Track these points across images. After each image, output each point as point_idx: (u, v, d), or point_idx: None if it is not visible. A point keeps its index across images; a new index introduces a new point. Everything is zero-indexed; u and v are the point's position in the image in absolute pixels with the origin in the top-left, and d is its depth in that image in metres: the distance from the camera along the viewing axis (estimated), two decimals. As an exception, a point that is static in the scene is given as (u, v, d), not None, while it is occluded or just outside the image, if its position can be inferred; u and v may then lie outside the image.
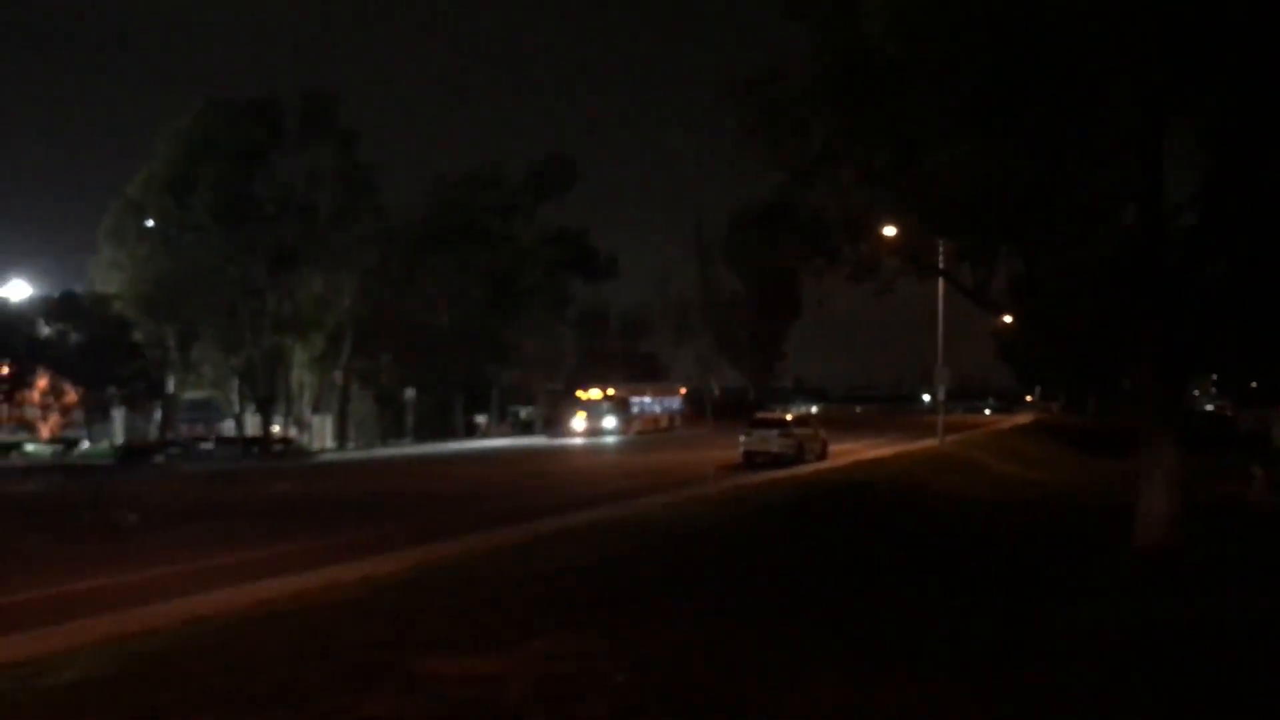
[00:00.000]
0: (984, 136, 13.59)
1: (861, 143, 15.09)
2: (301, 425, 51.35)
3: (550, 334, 61.52)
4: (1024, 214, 14.47)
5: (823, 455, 30.31)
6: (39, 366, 41.39)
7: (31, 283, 42.08)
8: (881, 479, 24.66)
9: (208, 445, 42.92)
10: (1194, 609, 10.85)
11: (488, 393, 59.61)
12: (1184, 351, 14.74)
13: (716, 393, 75.88)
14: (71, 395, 44.97)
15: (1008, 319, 26.43)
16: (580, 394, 51.64)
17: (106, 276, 46.20)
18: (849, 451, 32.80)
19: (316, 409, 52.96)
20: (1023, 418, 76.09)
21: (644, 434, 51.20)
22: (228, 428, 49.25)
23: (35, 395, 44.02)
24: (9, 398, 41.17)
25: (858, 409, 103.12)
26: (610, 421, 50.48)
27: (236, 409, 49.21)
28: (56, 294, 42.33)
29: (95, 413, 45.66)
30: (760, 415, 32.69)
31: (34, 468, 34.96)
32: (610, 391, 51.60)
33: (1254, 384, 62.80)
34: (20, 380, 40.39)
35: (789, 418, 32.42)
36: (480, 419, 60.44)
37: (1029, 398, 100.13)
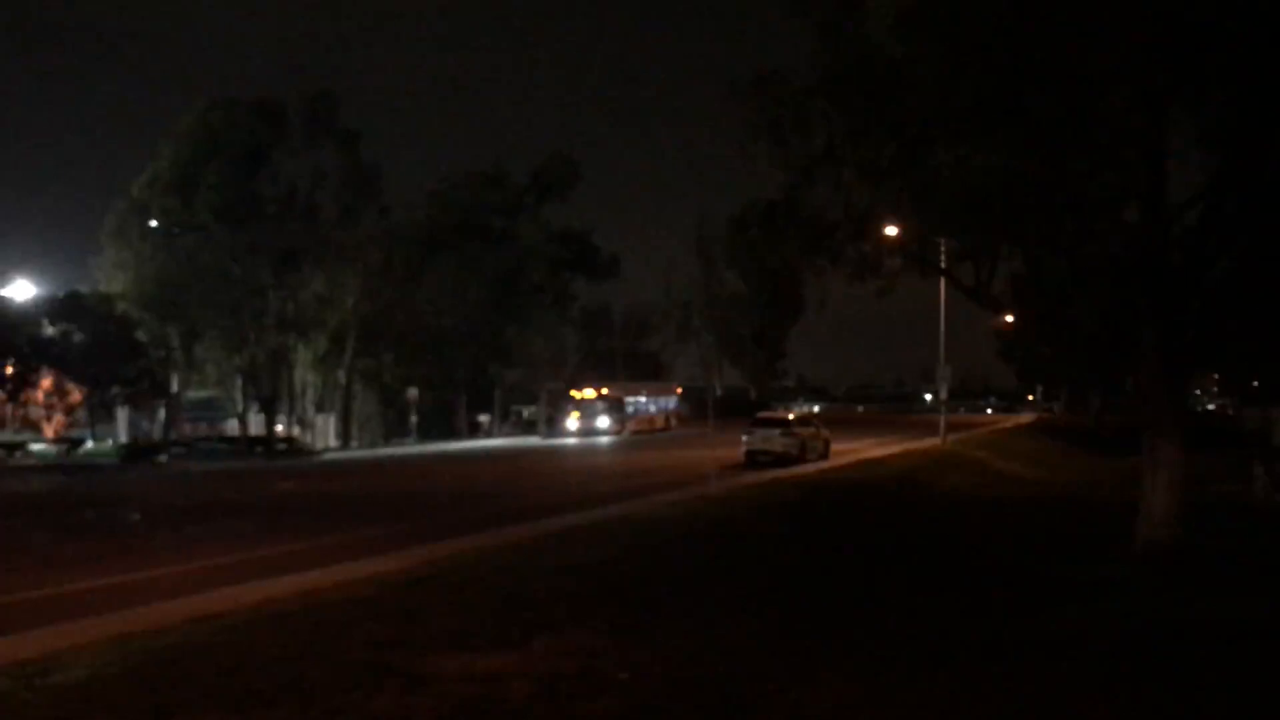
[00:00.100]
0: (986, 135, 13.61)
1: (864, 142, 15.11)
2: (305, 425, 51.41)
3: (553, 333, 61.54)
4: (1026, 213, 14.48)
5: (825, 454, 30.34)
6: (43, 366, 41.40)
7: (35, 282, 42.09)
8: (884, 478, 24.70)
9: (212, 445, 42.94)
10: (1196, 608, 10.87)
11: (491, 392, 59.66)
12: (1186, 350, 14.74)
13: (719, 392, 75.90)
14: (75, 395, 45.01)
15: (1009, 318, 26.46)
16: (574, 393, 51.53)
17: (110, 276, 46.26)
18: (851, 451, 32.83)
19: (320, 408, 53.01)
20: (1024, 417, 76.16)
21: (639, 434, 51.15)
22: (231, 427, 49.28)
23: (39, 395, 44.05)
24: (13, 397, 41.21)
25: (859, 408, 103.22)
26: (604, 421, 50.40)
27: (240, 408, 49.27)
28: (60, 294, 42.31)
29: (99, 412, 45.69)
30: (763, 415, 32.76)
31: (38, 467, 35.05)
32: (604, 391, 51.51)
33: (1256, 383, 62.71)
34: (24, 380, 40.38)
35: (791, 417, 32.49)
36: (483, 418, 60.48)
37: (1030, 397, 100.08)
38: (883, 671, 7.68)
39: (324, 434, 52.76)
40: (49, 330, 40.82)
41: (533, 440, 49.80)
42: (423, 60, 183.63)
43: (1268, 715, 7.31)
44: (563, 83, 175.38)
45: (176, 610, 9.19)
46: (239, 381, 48.90)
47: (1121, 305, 15.15)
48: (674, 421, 57.38)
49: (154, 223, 46.31)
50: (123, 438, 45.70)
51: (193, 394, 51.12)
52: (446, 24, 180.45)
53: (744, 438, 29.24)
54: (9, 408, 42.76)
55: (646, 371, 69.25)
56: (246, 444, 42.85)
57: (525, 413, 62.37)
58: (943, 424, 38.71)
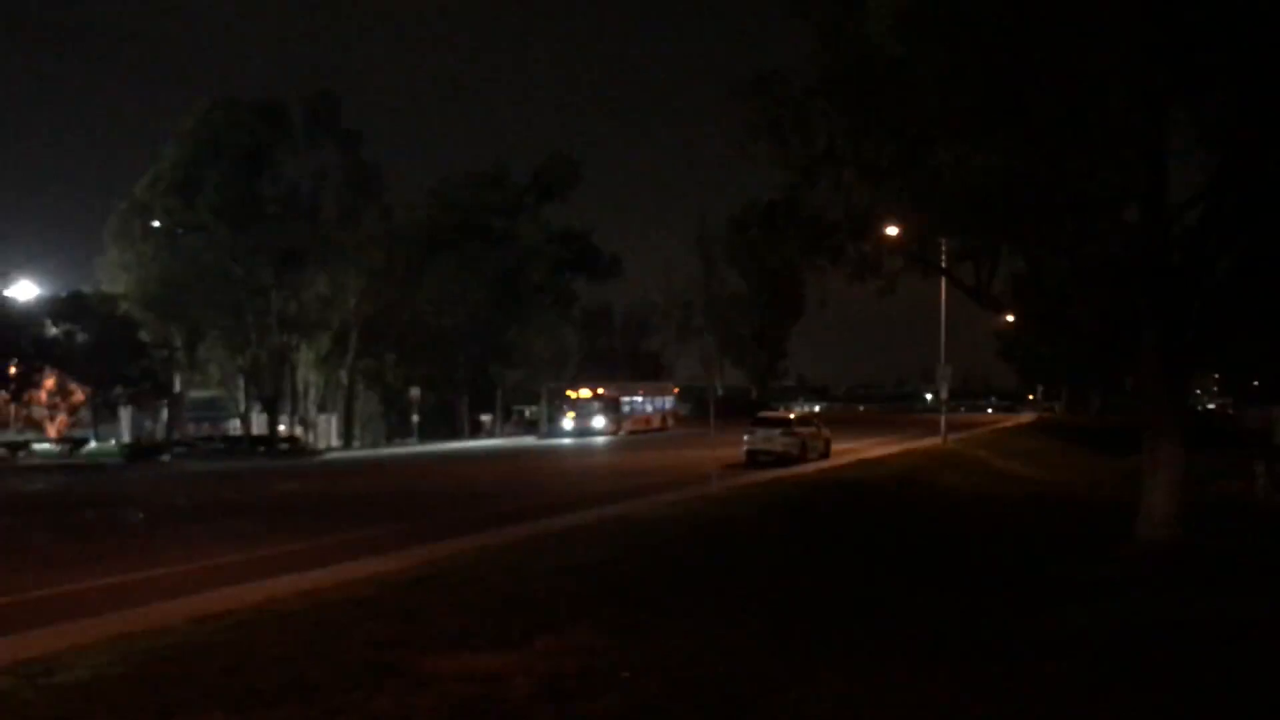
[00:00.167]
0: (986, 135, 13.64)
1: (864, 142, 15.15)
2: (307, 424, 51.45)
3: (554, 333, 61.56)
4: (1027, 212, 14.52)
5: (826, 454, 30.34)
6: (46, 366, 41.46)
7: (38, 283, 42.17)
8: (885, 477, 24.70)
9: (214, 444, 42.95)
10: (1196, 607, 10.89)
11: (493, 392, 59.70)
12: (1186, 349, 14.77)
13: (720, 391, 75.84)
14: (78, 395, 45.11)
15: (1010, 318, 26.46)
16: (570, 393, 51.51)
17: (113, 276, 46.32)
18: (852, 450, 32.83)
19: (322, 408, 53.07)
20: (1025, 417, 76.16)
21: (635, 433, 51.09)
22: (234, 427, 49.37)
23: (42, 395, 44.16)
24: (16, 397, 41.29)
25: (860, 408, 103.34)
26: (600, 421, 50.37)
27: (242, 408, 49.33)
28: (63, 294, 42.34)
29: (102, 412, 45.76)
30: (764, 414, 32.73)
31: (41, 467, 35.09)
32: (600, 390, 51.47)
33: (1256, 382, 62.76)
34: (27, 380, 40.43)
35: (792, 417, 32.50)
36: (485, 418, 60.51)
37: (1031, 397, 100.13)
38: (883, 671, 7.70)
39: (326, 434, 52.82)
40: (52, 330, 40.86)
41: (530, 440, 49.83)
42: (423, 60, 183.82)
43: (1267, 715, 7.32)
44: (563, 83, 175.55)
45: (178, 610, 9.21)
46: (241, 381, 48.98)
47: (1121, 305, 15.18)
48: (671, 421, 57.30)
49: (156, 223, 46.37)
50: (126, 438, 45.77)
51: (195, 394, 51.23)
52: (446, 24, 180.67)
53: (745, 437, 29.24)
54: (12, 408, 42.86)
55: (647, 372, 69.22)
56: (249, 444, 42.88)
57: (527, 412, 62.38)
58: (943, 423, 38.70)
